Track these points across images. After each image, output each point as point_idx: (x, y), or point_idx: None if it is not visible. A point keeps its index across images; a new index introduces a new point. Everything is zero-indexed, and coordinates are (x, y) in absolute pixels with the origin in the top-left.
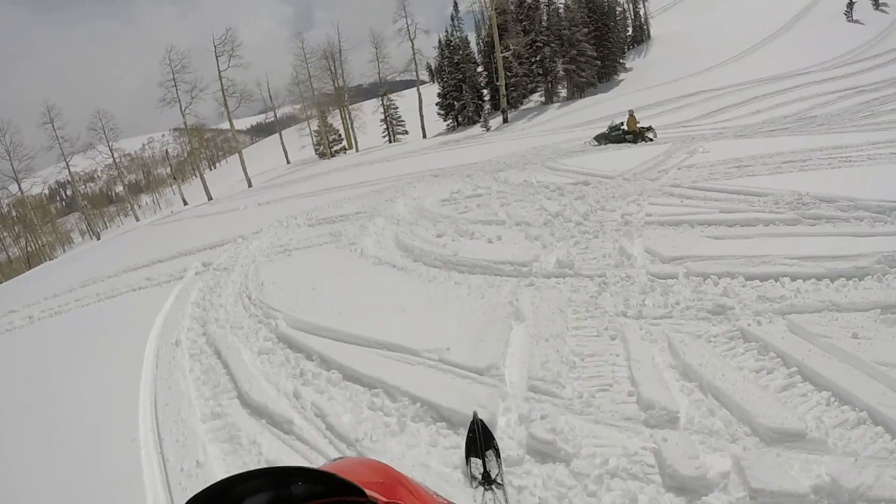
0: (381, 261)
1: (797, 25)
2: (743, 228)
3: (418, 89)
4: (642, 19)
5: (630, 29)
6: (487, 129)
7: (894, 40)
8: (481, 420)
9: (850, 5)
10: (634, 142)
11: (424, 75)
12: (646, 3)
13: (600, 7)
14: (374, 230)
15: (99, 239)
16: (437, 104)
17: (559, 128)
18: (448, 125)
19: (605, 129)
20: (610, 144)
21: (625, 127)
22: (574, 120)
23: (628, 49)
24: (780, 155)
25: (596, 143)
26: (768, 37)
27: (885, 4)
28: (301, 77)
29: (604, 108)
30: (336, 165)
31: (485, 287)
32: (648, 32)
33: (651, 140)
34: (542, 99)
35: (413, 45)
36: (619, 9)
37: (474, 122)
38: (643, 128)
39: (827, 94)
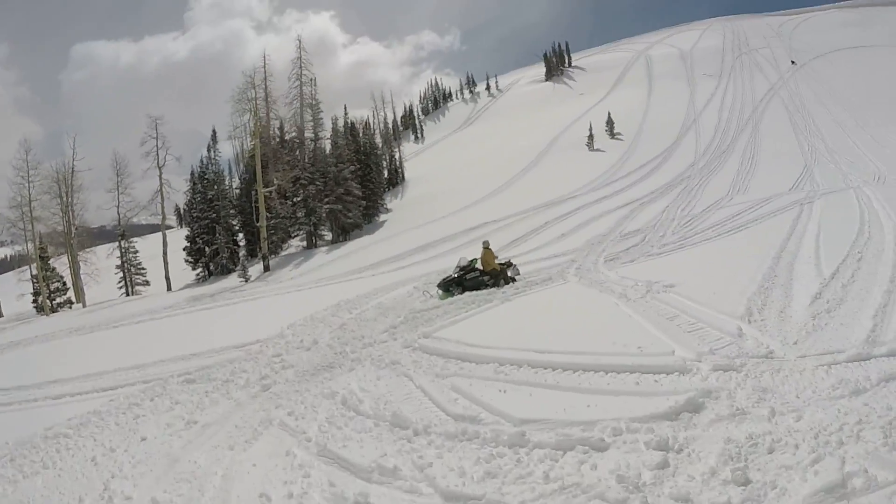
0: None
1: (545, 159)
2: None
3: (163, 230)
4: (397, 162)
5: (386, 172)
6: (247, 280)
7: (635, 161)
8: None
9: (591, 137)
10: (496, 285)
11: (172, 220)
12: (400, 146)
13: (364, 146)
14: None
15: None
16: (185, 249)
17: (339, 275)
18: (198, 275)
19: (452, 273)
20: (466, 293)
21: (479, 266)
22: (351, 265)
23: (385, 191)
24: None
25: (444, 294)
26: (520, 171)
27: (619, 133)
28: (23, 199)
29: (379, 250)
30: (46, 329)
31: None
32: (403, 175)
33: (514, 281)
34: (304, 244)
35: (161, 172)
36: (377, 150)
37: (229, 271)
38: (503, 264)
39: (613, 211)
